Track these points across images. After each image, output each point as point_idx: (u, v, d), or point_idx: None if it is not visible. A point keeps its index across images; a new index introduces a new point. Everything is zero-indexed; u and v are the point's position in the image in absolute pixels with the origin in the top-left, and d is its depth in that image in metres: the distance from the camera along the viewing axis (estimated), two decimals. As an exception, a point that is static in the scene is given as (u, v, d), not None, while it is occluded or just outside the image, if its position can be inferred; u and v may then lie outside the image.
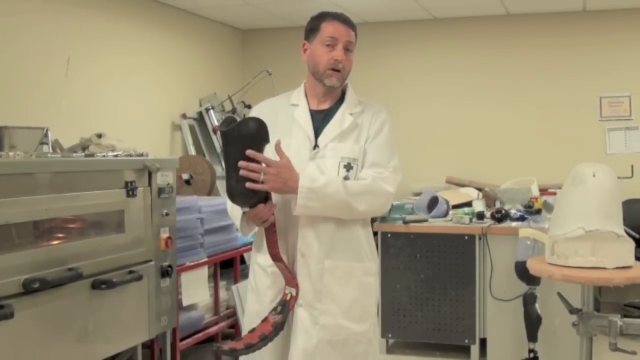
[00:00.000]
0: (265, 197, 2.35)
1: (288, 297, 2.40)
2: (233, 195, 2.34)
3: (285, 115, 2.53)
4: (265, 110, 2.58)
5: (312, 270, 2.43)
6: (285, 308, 2.39)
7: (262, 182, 2.29)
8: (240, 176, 2.27)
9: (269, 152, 2.37)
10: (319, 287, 2.44)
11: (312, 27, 2.50)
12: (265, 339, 2.35)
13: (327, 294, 2.44)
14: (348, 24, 2.48)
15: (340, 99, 2.56)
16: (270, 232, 2.40)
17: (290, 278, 2.42)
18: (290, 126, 2.50)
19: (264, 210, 2.34)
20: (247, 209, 2.36)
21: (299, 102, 2.54)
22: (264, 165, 2.29)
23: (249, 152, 2.26)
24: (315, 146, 2.47)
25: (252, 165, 2.27)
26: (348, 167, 2.45)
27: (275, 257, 2.41)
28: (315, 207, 2.36)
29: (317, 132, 2.49)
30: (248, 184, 2.27)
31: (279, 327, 2.37)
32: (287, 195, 2.40)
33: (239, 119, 2.34)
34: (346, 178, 2.44)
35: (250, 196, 2.31)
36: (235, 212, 2.46)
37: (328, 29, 2.46)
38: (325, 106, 2.53)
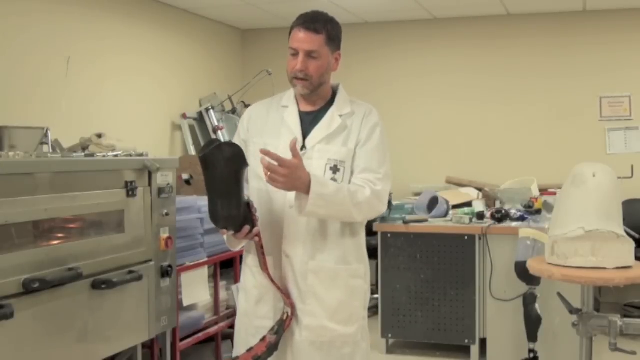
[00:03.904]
0: (251, 220, 2.31)
1: (285, 317, 2.39)
2: (217, 220, 2.31)
3: (275, 117, 2.52)
4: (257, 110, 2.59)
5: (297, 271, 2.43)
6: (280, 328, 2.39)
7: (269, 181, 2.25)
8: (224, 201, 2.25)
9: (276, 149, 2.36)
10: (304, 288, 2.43)
11: (289, 32, 2.46)
12: (258, 359, 2.36)
13: (312, 295, 2.43)
14: (313, 29, 2.37)
15: (331, 100, 2.52)
16: (259, 254, 2.39)
17: (285, 297, 2.41)
18: (279, 128, 2.49)
19: (250, 236, 2.33)
20: (232, 232, 2.32)
21: (288, 104, 2.53)
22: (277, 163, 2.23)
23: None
24: (303, 147, 2.45)
25: (268, 164, 2.21)
26: (334, 169, 2.42)
27: (268, 277, 2.41)
28: (322, 213, 2.34)
29: (306, 134, 2.47)
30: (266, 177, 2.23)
31: (272, 348, 2.37)
32: (273, 194, 2.39)
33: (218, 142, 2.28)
34: (332, 180, 2.41)
35: (233, 220, 2.28)
36: None
37: (292, 37, 2.41)
38: (314, 108, 2.51)
